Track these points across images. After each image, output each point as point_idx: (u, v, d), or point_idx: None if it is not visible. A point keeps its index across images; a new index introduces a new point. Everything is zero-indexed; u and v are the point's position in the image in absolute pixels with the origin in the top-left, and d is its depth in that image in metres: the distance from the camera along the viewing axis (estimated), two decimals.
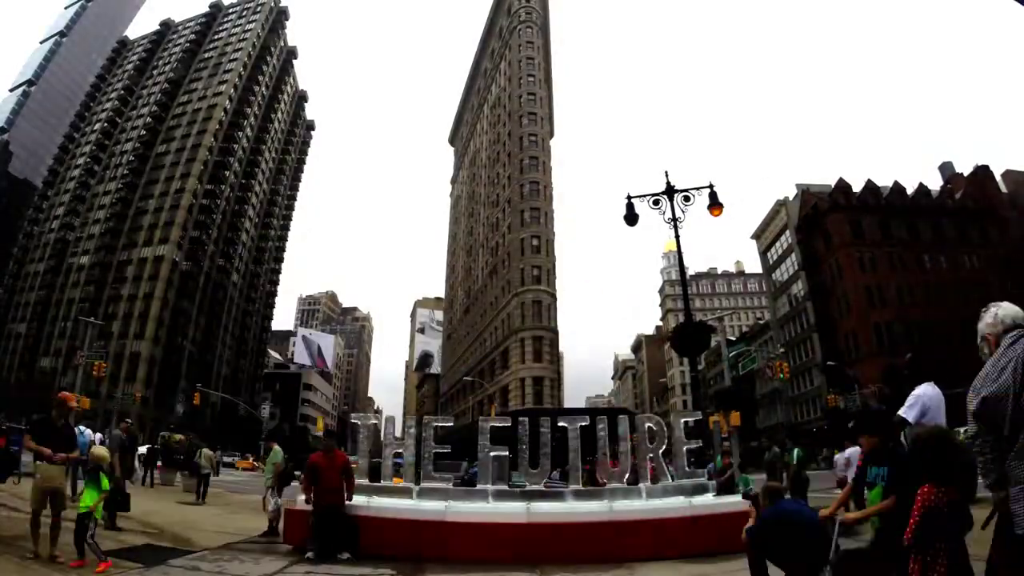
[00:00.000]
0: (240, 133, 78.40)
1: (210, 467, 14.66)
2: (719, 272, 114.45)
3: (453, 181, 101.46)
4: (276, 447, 10.48)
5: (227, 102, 75.94)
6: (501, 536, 7.00)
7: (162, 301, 62.74)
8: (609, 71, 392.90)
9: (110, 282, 66.05)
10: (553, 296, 53.14)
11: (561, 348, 58.50)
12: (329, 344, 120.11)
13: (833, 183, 56.46)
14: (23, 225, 78.84)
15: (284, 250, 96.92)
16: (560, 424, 8.05)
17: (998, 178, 55.48)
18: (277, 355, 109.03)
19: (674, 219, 11.58)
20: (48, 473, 5.69)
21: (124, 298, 64.07)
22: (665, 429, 8.03)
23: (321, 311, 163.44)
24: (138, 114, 79.48)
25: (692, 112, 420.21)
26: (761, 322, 75.47)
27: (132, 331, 61.59)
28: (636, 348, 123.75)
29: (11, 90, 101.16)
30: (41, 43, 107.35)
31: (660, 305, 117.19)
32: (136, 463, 13.75)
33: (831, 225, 53.33)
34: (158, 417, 55.86)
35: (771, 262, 66.67)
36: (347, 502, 7.33)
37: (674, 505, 7.49)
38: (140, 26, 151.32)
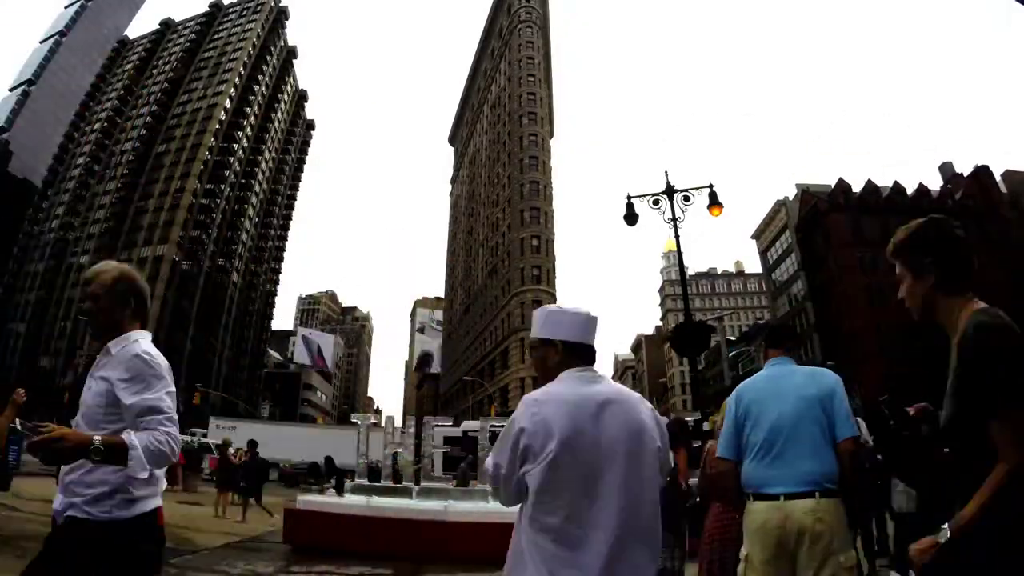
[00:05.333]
0: (240, 133, 78.38)
1: None
2: (719, 272, 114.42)
3: (453, 181, 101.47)
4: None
5: (227, 102, 75.92)
6: (501, 536, 7.00)
7: (162, 301, 62.68)
8: (609, 71, 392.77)
9: None
10: (553, 296, 53.12)
11: None
12: (329, 344, 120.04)
13: (833, 183, 56.48)
14: (23, 225, 78.79)
15: (284, 250, 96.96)
16: None
17: (998, 178, 55.49)
18: (277, 355, 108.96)
19: (674, 219, 11.58)
20: None
21: None
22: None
23: (321, 311, 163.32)
24: (138, 114, 79.49)
25: (692, 112, 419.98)
26: (761, 322, 75.46)
27: None
28: (636, 348, 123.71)
29: (11, 90, 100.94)
30: (41, 43, 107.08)
31: (660, 305, 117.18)
32: None
33: (831, 225, 53.32)
34: None
35: (771, 262, 66.67)
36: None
37: None
38: (140, 26, 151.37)
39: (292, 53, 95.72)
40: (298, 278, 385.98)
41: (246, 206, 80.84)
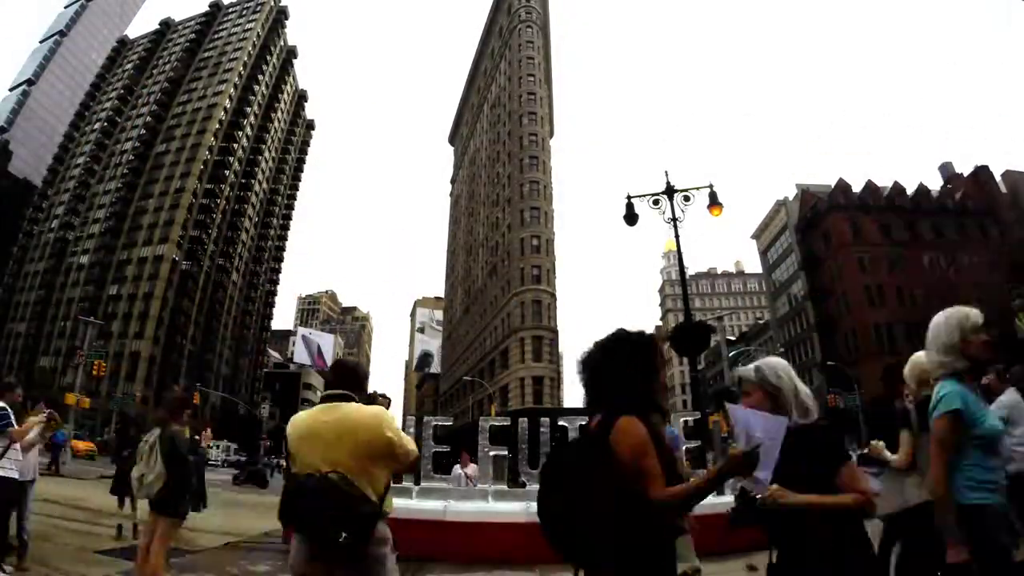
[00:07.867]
0: (240, 133, 78.36)
1: None
2: (719, 272, 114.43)
3: (453, 181, 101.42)
4: None
5: (227, 102, 75.90)
6: (501, 536, 7.00)
7: (162, 301, 62.71)
8: (609, 71, 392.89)
9: (110, 282, 66.05)
10: (553, 296, 53.10)
11: (561, 348, 58.52)
12: (329, 343, 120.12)
13: (833, 183, 56.49)
14: (23, 225, 78.78)
15: (284, 250, 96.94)
16: (560, 424, 8.05)
17: (998, 178, 55.49)
18: (277, 355, 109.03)
19: (674, 219, 11.59)
20: None
21: (124, 298, 64.05)
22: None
23: (321, 311, 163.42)
24: (138, 114, 79.46)
25: (692, 112, 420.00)
26: (761, 322, 75.49)
27: (132, 331, 61.58)
28: None
29: (11, 90, 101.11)
30: (41, 43, 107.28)
31: (660, 305, 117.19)
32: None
33: (831, 225, 53.35)
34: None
35: (771, 262, 66.69)
36: None
37: None
38: (140, 26, 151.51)
39: (292, 53, 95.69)
40: (298, 278, 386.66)
41: (246, 206, 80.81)
